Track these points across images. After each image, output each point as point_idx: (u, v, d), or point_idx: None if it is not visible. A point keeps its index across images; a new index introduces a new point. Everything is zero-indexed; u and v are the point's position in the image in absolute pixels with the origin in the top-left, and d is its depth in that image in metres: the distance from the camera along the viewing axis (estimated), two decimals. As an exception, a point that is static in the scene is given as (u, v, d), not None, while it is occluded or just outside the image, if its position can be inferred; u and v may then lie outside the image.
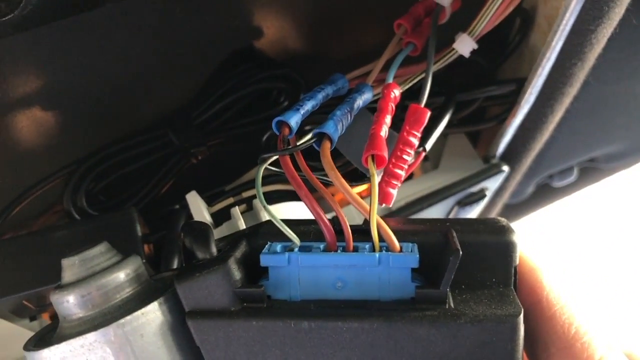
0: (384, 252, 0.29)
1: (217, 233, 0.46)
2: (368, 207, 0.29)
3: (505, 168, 0.55)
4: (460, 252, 0.27)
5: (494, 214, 0.68)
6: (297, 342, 0.28)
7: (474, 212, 0.59)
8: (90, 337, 0.29)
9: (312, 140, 0.32)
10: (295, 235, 0.29)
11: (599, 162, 0.69)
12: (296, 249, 0.30)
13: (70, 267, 0.31)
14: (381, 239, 0.29)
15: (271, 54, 0.52)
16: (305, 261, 0.29)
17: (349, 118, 0.35)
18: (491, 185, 0.56)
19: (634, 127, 0.62)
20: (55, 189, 0.49)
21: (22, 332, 0.49)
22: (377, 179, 0.30)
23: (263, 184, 0.49)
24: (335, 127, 0.32)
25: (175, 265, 0.45)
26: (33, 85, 0.44)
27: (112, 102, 0.49)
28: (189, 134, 0.49)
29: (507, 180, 0.58)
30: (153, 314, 0.30)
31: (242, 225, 0.46)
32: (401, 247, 0.29)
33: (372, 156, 0.31)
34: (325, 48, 0.54)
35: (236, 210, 0.47)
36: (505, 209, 0.72)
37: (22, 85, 0.44)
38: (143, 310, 0.30)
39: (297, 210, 0.48)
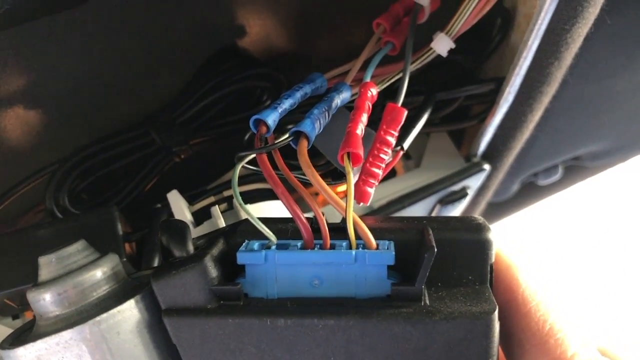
0: (360, 249, 0.29)
1: (198, 232, 0.46)
2: (345, 205, 0.29)
3: (486, 167, 0.55)
4: (435, 249, 0.27)
5: (477, 212, 0.68)
6: (273, 339, 0.29)
7: (456, 211, 0.59)
8: (66, 334, 0.29)
9: (289, 139, 0.32)
10: (271, 233, 0.30)
11: (583, 161, 0.69)
12: (273, 247, 0.30)
13: (47, 265, 0.31)
14: (358, 236, 0.29)
15: (254, 52, 0.52)
16: (281, 259, 0.29)
17: (327, 117, 0.35)
18: (473, 183, 0.57)
19: (618, 125, 0.62)
20: (38, 188, 0.49)
21: (6, 331, 0.49)
22: (353, 177, 0.30)
23: (245, 183, 0.50)
24: (313, 125, 0.33)
25: (156, 264, 0.45)
26: (16, 83, 0.44)
27: (95, 100, 0.49)
28: (171, 132, 0.49)
29: (489, 178, 0.58)
30: (129, 311, 0.30)
31: (222, 223, 0.46)
32: (377, 245, 0.29)
33: (348, 154, 0.31)
34: (308, 47, 0.54)
35: (216, 209, 0.47)
36: (489, 208, 0.72)
37: (5, 84, 0.44)
38: (119, 308, 0.29)
39: (278, 209, 0.49)
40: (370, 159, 0.34)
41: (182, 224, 0.31)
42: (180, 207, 0.47)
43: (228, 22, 0.49)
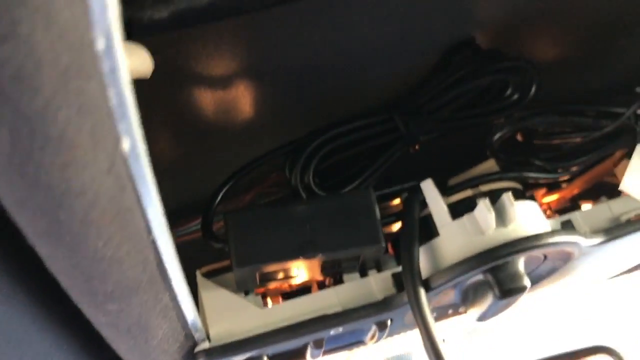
0: None
1: (457, 224, 0.44)
2: None
3: None
4: None
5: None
6: None
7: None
8: None
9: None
10: None
11: None
12: None
13: None
14: None
15: (496, 46, 0.50)
16: None
17: None
18: None
19: None
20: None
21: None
22: None
23: (481, 182, 0.48)
24: None
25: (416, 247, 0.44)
26: (259, 63, 0.45)
27: (335, 82, 0.49)
28: (417, 121, 0.48)
29: None
30: None
31: (514, 212, 0.43)
32: None
33: None
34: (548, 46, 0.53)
35: (509, 196, 0.44)
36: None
37: (245, 65, 0.45)
38: None
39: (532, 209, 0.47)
40: None
41: None
42: (434, 197, 0.45)
43: (469, 13, 0.49)
